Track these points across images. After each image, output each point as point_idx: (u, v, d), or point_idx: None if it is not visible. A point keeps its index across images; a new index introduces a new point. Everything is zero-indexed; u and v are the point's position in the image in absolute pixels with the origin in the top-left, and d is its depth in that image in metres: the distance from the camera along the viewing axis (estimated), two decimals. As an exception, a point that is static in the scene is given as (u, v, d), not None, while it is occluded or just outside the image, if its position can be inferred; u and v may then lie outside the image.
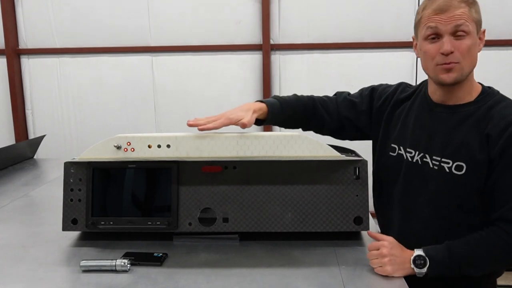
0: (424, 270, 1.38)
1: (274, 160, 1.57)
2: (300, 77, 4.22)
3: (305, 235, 1.59)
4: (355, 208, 1.56)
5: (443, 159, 1.52)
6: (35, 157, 3.16)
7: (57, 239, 1.65)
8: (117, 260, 1.40)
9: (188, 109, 4.31)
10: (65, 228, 1.61)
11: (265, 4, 4.09)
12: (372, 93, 1.83)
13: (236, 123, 1.64)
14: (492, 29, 3.98)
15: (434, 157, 1.55)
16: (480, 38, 1.49)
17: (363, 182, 1.57)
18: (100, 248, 1.57)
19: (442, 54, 1.45)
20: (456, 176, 1.49)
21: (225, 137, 1.58)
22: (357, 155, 1.67)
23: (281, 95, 1.99)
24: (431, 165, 1.56)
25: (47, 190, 2.35)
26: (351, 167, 1.57)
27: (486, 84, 1.61)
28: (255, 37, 4.21)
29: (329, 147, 1.59)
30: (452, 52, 1.43)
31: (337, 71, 4.16)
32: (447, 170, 1.51)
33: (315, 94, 1.97)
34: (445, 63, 1.45)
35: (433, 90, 1.59)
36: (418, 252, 1.40)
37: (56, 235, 1.66)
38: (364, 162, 1.58)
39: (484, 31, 1.51)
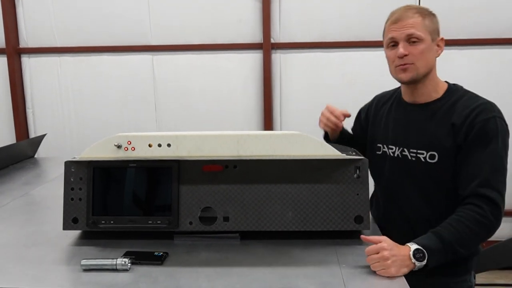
0: (424, 262, 1.42)
1: (274, 159, 1.57)
2: (301, 76, 4.22)
3: (306, 234, 1.59)
4: (355, 207, 1.57)
5: (418, 151, 1.72)
6: (35, 156, 3.16)
7: (57, 238, 1.65)
8: (117, 259, 1.40)
9: (189, 107, 4.31)
10: (65, 227, 1.61)
11: (265, 2, 4.09)
12: (358, 114, 2.13)
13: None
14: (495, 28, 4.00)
15: (411, 150, 1.75)
16: (438, 45, 1.72)
17: (364, 181, 1.57)
18: (101, 247, 1.57)
19: (399, 57, 1.68)
20: (431, 164, 1.69)
21: (226, 136, 1.58)
22: (357, 154, 1.67)
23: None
24: (409, 157, 1.76)
25: (48, 189, 2.35)
26: (351, 166, 1.57)
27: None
28: (256, 36, 4.21)
29: (330, 146, 1.59)
30: (406, 55, 1.67)
31: (338, 69, 4.16)
32: (423, 160, 1.71)
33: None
34: (401, 64, 1.69)
35: (404, 92, 1.83)
36: (414, 246, 1.43)
37: (57, 234, 1.66)
38: (365, 161, 1.58)
39: (442, 39, 1.73)
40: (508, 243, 2.98)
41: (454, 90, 1.75)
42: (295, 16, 4.15)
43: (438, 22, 1.73)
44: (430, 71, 1.72)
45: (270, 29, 4.15)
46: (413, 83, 1.73)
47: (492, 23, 4.01)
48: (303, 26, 4.16)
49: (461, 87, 1.76)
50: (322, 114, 1.99)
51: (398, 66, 1.71)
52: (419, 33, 1.66)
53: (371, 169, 1.85)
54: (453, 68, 3.76)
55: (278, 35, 4.19)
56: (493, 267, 3.38)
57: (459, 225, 1.53)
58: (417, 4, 3.94)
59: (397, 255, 1.39)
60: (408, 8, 1.71)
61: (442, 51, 1.74)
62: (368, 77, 4.02)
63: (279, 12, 4.15)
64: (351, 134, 2.09)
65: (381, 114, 1.92)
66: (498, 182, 1.58)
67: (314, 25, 4.14)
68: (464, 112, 1.64)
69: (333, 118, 1.94)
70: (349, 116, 1.96)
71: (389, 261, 1.37)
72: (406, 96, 1.82)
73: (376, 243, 1.43)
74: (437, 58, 1.74)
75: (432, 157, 1.69)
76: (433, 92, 1.74)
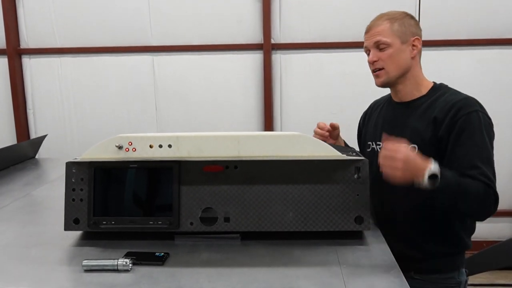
0: (430, 186, 1.50)
1: (275, 159, 1.58)
2: (301, 76, 4.22)
3: (306, 235, 1.59)
4: (356, 207, 1.57)
5: None
6: (36, 156, 3.17)
7: (59, 239, 1.65)
8: (119, 260, 1.40)
9: (189, 108, 4.32)
10: (67, 227, 1.61)
11: (266, 3, 4.10)
12: (359, 122, 2.18)
13: None
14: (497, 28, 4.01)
15: None
16: (413, 45, 1.78)
17: (364, 181, 1.57)
18: (102, 248, 1.57)
19: (369, 63, 1.82)
20: None
21: (226, 137, 1.58)
22: (358, 154, 1.67)
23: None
24: None
25: (49, 190, 2.35)
26: (352, 166, 1.58)
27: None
28: (256, 37, 4.21)
29: (330, 146, 1.60)
30: (376, 61, 1.79)
31: (338, 70, 4.17)
32: None
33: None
34: (373, 70, 1.83)
35: (391, 93, 1.92)
36: (433, 169, 1.49)
37: (58, 234, 1.66)
38: (365, 162, 1.58)
39: (417, 39, 1.78)
40: (508, 243, 2.99)
41: (437, 88, 1.82)
42: (296, 17, 4.16)
43: (413, 24, 1.81)
44: (406, 72, 1.80)
45: (271, 30, 4.16)
46: (389, 86, 1.84)
47: (492, 23, 4.01)
48: (303, 26, 4.16)
49: (446, 86, 1.83)
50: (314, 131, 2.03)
51: (372, 73, 1.84)
52: (385, 39, 1.76)
53: None
54: (454, 68, 3.77)
55: (279, 35, 4.19)
56: (493, 267, 3.39)
57: (471, 182, 1.58)
58: (417, 4, 3.95)
59: (410, 163, 1.48)
60: (380, 16, 1.83)
61: (418, 51, 1.80)
62: (368, 78, 4.00)
63: (279, 13, 4.16)
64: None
65: (374, 115, 2.02)
66: (489, 173, 1.61)
67: (315, 25, 4.15)
68: (446, 107, 1.70)
69: (319, 131, 1.99)
70: (335, 127, 2.00)
71: (399, 164, 1.46)
72: (393, 96, 1.91)
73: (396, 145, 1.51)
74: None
75: (412, 149, 1.68)
76: (416, 91, 1.82)
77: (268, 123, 4.25)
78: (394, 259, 1.47)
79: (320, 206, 1.57)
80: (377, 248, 1.56)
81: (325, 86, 4.19)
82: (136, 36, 4.28)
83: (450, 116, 1.68)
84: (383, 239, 1.65)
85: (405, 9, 1.87)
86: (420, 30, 1.84)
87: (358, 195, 1.57)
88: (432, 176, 1.49)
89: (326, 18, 4.13)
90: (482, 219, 1.68)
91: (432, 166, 1.50)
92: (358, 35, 4.13)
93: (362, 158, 1.59)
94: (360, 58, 4.11)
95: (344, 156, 1.59)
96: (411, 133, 1.76)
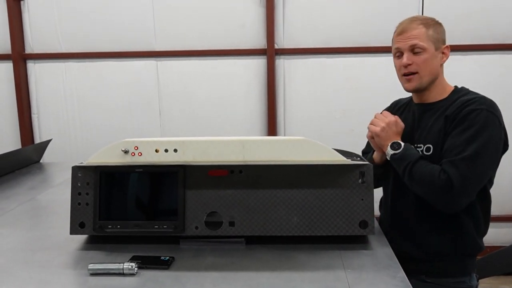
0: (393, 151, 1.72)
1: (280, 164, 1.58)
2: (305, 81, 4.23)
3: (311, 239, 1.60)
4: (360, 212, 1.57)
5: (418, 145, 1.80)
6: (41, 161, 3.18)
7: (64, 243, 1.66)
8: (124, 264, 1.41)
9: (193, 113, 4.33)
10: (72, 231, 1.62)
11: (269, 8, 4.11)
12: None
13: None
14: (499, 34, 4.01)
15: (414, 145, 1.80)
16: (443, 53, 1.80)
17: (368, 186, 1.58)
18: (108, 252, 1.58)
19: (403, 66, 1.78)
20: (427, 156, 1.75)
21: (231, 141, 1.59)
22: (362, 159, 1.68)
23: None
24: None
25: (54, 194, 2.36)
26: (356, 171, 1.58)
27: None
28: (260, 42, 4.23)
29: (335, 151, 1.60)
30: (410, 64, 1.76)
31: (342, 75, 4.17)
32: (421, 153, 1.77)
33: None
34: (405, 74, 1.79)
35: (413, 96, 1.92)
36: (399, 141, 1.75)
37: (64, 238, 1.68)
38: (369, 166, 1.59)
39: (447, 47, 1.81)
40: (512, 249, 2.98)
41: (459, 90, 1.83)
42: (299, 22, 4.17)
43: (443, 31, 1.81)
44: (435, 78, 1.80)
45: (274, 35, 4.17)
46: (419, 91, 1.82)
47: (495, 28, 4.02)
48: (306, 31, 4.17)
49: (467, 89, 1.83)
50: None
51: (403, 76, 1.80)
52: (422, 43, 1.74)
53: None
54: (456, 73, 3.75)
55: (282, 40, 4.20)
56: (497, 273, 3.37)
57: (428, 167, 1.66)
58: (420, 10, 3.96)
59: (391, 130, 1.76)
60: (413, 19, 1.79)
61: (447, 58, 1.82)
62: (372, 83, 4.03)
63: (283, 18, 4.17)
64: None
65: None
66: (463, 167, 1.60)
67: (318, 30, 4.16)
68: (458, 104, 1.72)
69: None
70: None
71: (383, 124, 1.76)
72: (415, 98, 1.90)
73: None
74: (443, 64, 1.81)
75: (427, 149, 1.76)
76: (439, 95, 1.82)
77: (272, 128, 4.25)
78: (399, 263, 1.48)
79: (324, 211, 1.58)
80: (382, 253, 1.56)
81: (328, 91, 4.19)
82: (140, 41, 4.30)
83: (457, 112, 1.70)
84: (388, 243, 1.65)
85: (409, 13, 1.88)
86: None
87: (362, 199, 1.58)
88: (394, 146, 1.72)
89: (329, 23, 4.14)
90: (444, 208, 1.67)
91: (401, 141, 1.72)
92: (361, 40, 4.18)
93: (367, 162, 1.60)
94: (363, 63, 4.18)
95: (348, 161, 1.59)
96: (427, 133, 1.78)
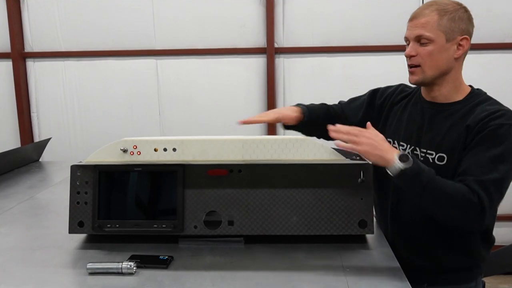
0: (402, 165, 1.43)
1: (279, 163, 1.58)
2: (305, 81, 4.23)
3: (310, 238, 1.59)
4: (359, 211, 1.57)
5: (428, 151, 1.64)
6: (40, 160, 3.17)
7: (63, 242, 1.66)
8: (123, 263, 1.41)
9: (193, 112, 4.32)
10: (71, 230, 1.62)
11: (269, 7, 4.11)
12: (374, 92, 1.98)
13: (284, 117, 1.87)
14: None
15: (422, 150, 1.67)
16: (460, 45, 1.60)
17: (368, 185, 1.58)
18: (106, 251, 1.58)
19: (406, 56, 1.64)
20: (438, 166, 1.58)
21: (231, 140, 1.59)
22: (361, 158, 1.67)
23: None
24: (419, 157, 1.67)
25: (53, 193, 2.36)
26: (355, 170, 1.58)
27: (494, 87, 1.63)
28: (260, 41, 4.22)
29: (334, 150, 1.60)
30: (413, 56, 1.61)
31: (342, 74, 4.17)
32: (431, 160, 1.62)
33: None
34: (409, 65, 1.65)
35: (422, 90, 1.74)
36: (402, 152, 1.48)
37: (63, 237, 1.67)
38: (369, 166, 1.58)
39: (464, 38, 1.60)
40: (512, 248, 2.98)
41: (476, 93, 1.66)
42: (299, 21, 4.16)
43: (465, 19, 1.61)
44: (445, 73, 1.62)
45: (274, 34, 4.16)
46: (424, 85, 1.68)
47: (496, 27, 4.01)
48: (306, 30, 4.17)
49: (484, 93, 1.67)
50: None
51: (408, 68, 1.66)
52: (428, 34, 1.57)
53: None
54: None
55: (282, 39, 4.20)
56: (497, 272, 3.37)
57: (450, 184, 1.47)
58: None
59: (378, 142, 1.47)
60: (429, 4, 1.61)
61: (464, 52, 1.62)
62: (372, 82, 4.01)
63: (282, 17, 4.17)
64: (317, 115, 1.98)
65: (398, 107, 1.83)
66: (489, 189, 1.45)
67: (318, 29, 4.15)
68: (482, 115, 1.54)
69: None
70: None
71: (364, 139, 1.47)
72: (425, 94, 1.73)
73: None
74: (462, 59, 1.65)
75: (441, 159, 1.60)
76: (453, 94, 1.65)
77: (271, 127, 4.25)
78: (398, 263, 1.47)
79: (323, 210, 1.57)
80: (381, 252, 1.56)
81: (328, 90, 4.18)
82: (140, 40, 4.29)
83: (481, 124, 1.52)
84: (387, 243, 1.65)
85: (409, 12, 1.73)
86: (472, 26, 1.65)
87: (362, 199, 1.57)
88: (403, 158, 1.43)
89: (329, 22, 4.13)
90: (466, 229, 1.56)
91: (401, 152, 1.47)
92: (361, 39, 4.18)
93: (366, 162, 1.60)
94: (363, 62, 4.17)
95: (348, 160, 1.59)
96: (442, 140, 1.60)
